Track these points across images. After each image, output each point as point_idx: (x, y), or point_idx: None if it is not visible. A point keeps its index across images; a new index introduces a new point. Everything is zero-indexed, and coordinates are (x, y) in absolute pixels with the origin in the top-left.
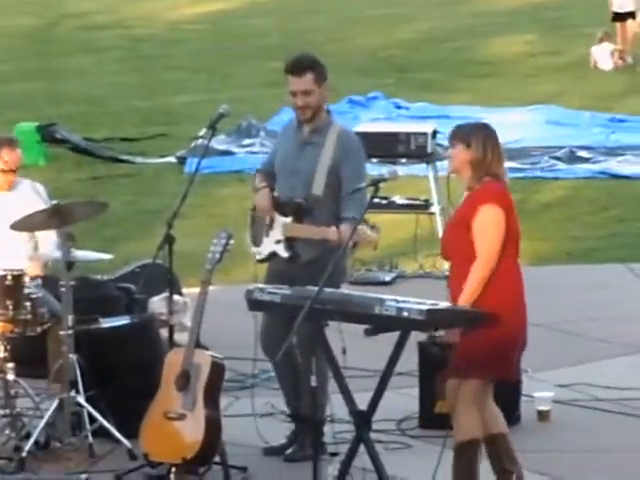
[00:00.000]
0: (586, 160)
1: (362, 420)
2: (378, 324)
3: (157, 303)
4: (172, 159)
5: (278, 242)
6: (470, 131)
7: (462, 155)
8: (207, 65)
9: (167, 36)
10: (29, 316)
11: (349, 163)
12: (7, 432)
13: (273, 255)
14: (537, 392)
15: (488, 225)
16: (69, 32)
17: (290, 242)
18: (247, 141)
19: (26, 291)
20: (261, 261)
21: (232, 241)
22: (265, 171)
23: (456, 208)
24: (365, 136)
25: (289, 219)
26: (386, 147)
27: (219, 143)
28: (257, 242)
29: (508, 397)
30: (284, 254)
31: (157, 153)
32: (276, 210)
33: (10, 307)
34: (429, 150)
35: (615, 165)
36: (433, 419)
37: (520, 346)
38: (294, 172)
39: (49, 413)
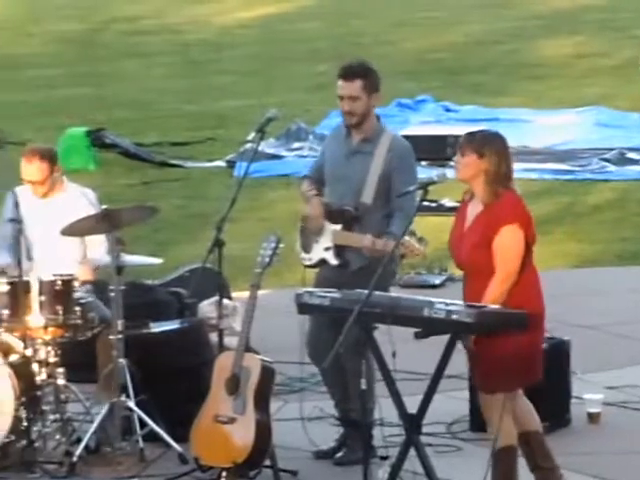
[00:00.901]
0: (636, 162)
1: (412, 423)
2: (428, 327)
3: (207, 307)
4: (221, 163)
5: (327, 249)
6: (484, 142)
7: (475, 165)
8: (256, 69)
9: (216, 40)
10: (79, 321)
11: (401, 171)
12: (58, 437)
13: (322, 262)
14: (587, 394)
15: (509, 246)
16: (117, 37)
17: (339, 250)
18: (296, 145)
19: (76, 296)
20: (310, 267)
21: (281, 245)
22: (312, 177)
23: (460, 210)
24: (414, 139)
25: (339, 227)
26: (435, 150)
27: (268, 147)
28: (307, 249)
29: (558, 399)
30: (333, 261)
31: (206, 157)
32: (326, 217)
33: (60, 312)
34: None
35: None
36: (483, 422)
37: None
38: (343, 180)
39: (99, 418)
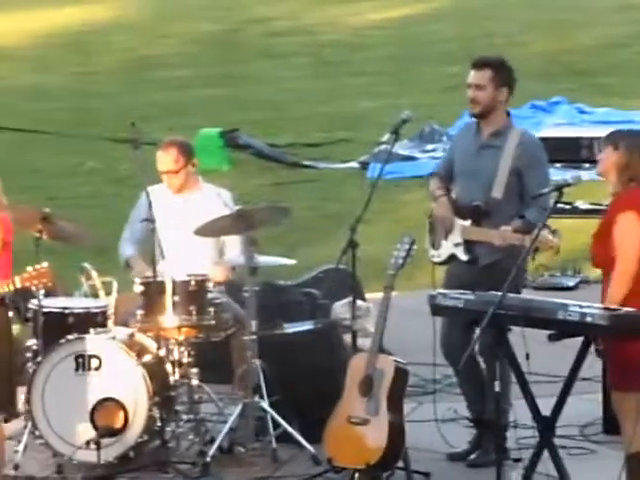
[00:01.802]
0: None
1: (546, 426)
2: (562, 329)
3: (340, 308)
4: (355, 164)
5: (457, 245)
6: (621, 135)
7: (610, 157)
8: (390, 70)
9: (350, 42)
10: (213, 321)
11: (533, 168)
12: (191, 437)
13: (452, 258)
14: None
15: (624, 235)
16: (252, 38)
17: (469, 245)
18: (430, 146)
19: (210, 296)
20: (440, 263)
21: (415, 246)
22: (441, 174)
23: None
24: (548, 141)
25: (468, 222)
26: (569, 152)
27: (402, 148)
28: (436, 245)
29: None
30: (463, 257)
31: (340, 158)
32: (455, 213)
33: (194, 312)
34: None
35: None
36: (617, 425)
37: None
38: (473, 175)
39: (233, 418)
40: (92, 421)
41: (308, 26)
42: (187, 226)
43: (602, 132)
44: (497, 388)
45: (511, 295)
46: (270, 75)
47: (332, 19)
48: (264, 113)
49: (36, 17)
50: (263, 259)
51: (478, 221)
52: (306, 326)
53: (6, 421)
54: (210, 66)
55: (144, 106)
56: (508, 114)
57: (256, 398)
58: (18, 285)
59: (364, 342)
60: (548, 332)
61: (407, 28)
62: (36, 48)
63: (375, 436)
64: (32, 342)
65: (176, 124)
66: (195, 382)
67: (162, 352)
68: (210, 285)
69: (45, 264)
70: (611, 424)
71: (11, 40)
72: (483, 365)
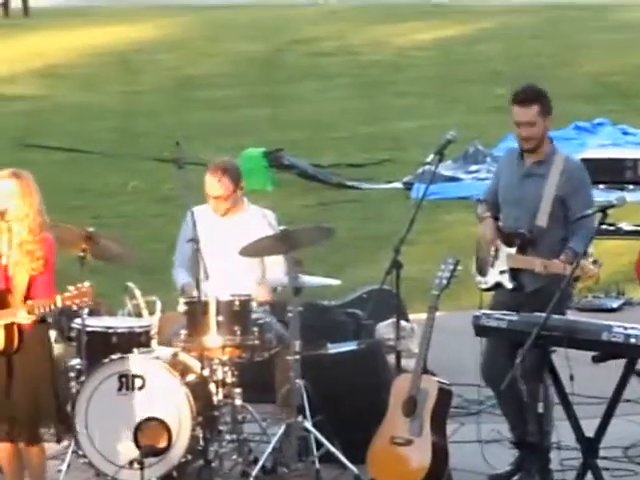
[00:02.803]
0: None
1: (589, 447)
2: (606, 351)
3: (384, 329)
4: (398, 185)
5: (503, 272)
6: None
7: None
8: (434, 91)
9: (394, 62)
10: (257, 341)
11: (577, 194)
12: (234, 457)
13: (498, 285)
14: None
15: None
16: (297, 58)
17: (515, 273)
18: (474, 167)
19: (254, 316)
20: (486, 290)
21: (459, 267)
22: (487, 200)
23: None
24: (592, 162)
25: (513, 250)
26: (613, 173)
27: (445, 169)
28: (483, 272)
29: None
30: (508, 285)
31: (383, 179)
32: (501, 240)
33: (238, 332)
34: None
35: None
36: None
37: None
38: (517, 203)
39: (276, 438)
40: (135, 441)
41: (353, 46)
42: (232, 246)
43: None
44: (540, 409)
45: (555, 316)
46: (314, 95)
47: (377, 39)
48: (308, 133)
49: (83, 36)
50: (307, 279)
51: (523, 249)
52: (350, 346)
53: (58, 441)
54: (255, 86)
55: (188, 125)
56: (551, 140)
57: (299, 418)
58: (59, 304)
59: (408, 363)
60: (592, 353)
61: (452, 48)
62: (82, 67)
63: (418, 457)
64: (76, 362)
65: (220, 144)
66: (238, 402)
67: (206, 372)
68: (254, 305)
69: (87, 283)
70: None
71: (58, 59)
72: (523, 387)
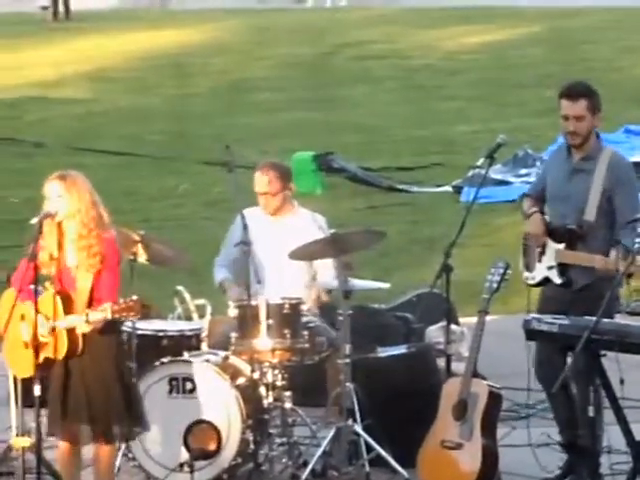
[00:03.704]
0: None
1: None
2: None
3: (434, 332)
4: (448, 188)
5: (551, 268)
6: None
7: None
8: (483, 95)
9: (443, 66)
10: (307, 345)
11: (623, 188)
12: (284, 460)
13: (546, 280)
14: None
15: None
16: (345, 62)
17: (563, 268)
18: (523, 171)
19: (304, 320)
20: (534, 285)
21: (509, 271)
22: (533, 196)
23: None
24: None
25: (561, 245)
26: None
27: (495, 172)
28: (530, 267)
29: None
30: (557, 280)
31: (433, 182)
32: (548, 236)
33: (288, 336)
34: None
35: None
36: None
37: None
38: (565, 198)
39: (326, 442)
40: (186, 444)
41: (402, 50)
42: (282, 249)
43: None
44: (591, 413)
45: (606, 320)
46: (364, 99)
47: (426, 43)
48: (358, 137)
49: (134, 39)
50: (357, 283)
51: (572, 244)
52: (400, 350)
53: (127, 440)
54: (304, 89)
55: (239, 129)
56: (598, 136)
57: (349, 422)
58: (109, 316)
59: (458, 366)
60: None
61: (502, 52)
62: (134, 70)
63: (468, 460)
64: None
65: (270, 147)
66: (288, 405)
67: (256, 375)
68: (304, 308)
69: (135, 297)
70: None
71: (109, 62)
72: (575, 390)
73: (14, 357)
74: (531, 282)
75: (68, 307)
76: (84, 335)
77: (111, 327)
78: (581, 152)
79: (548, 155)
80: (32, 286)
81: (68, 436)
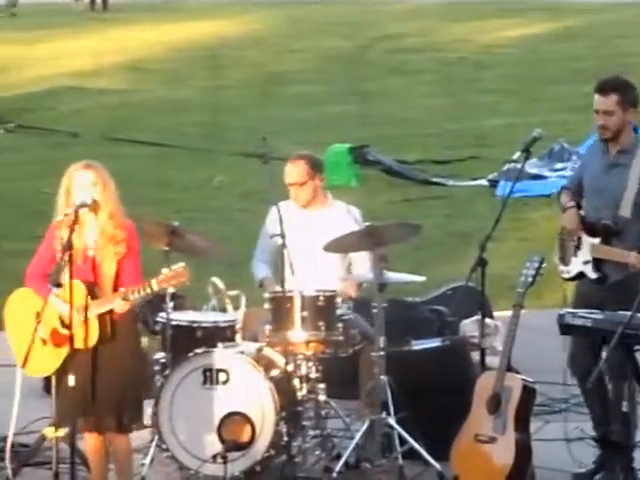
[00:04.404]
0: None
1: None
2: None
3: (469, 326)
4: (484, 182)
5: (586, 263)
6: None
7: None
8: (519, 88)
9: (478, 59)
10: (341, 337)
11: None
12: (317, 452)
13: (581, 275)
14: None
15: None
16: (381, 55)
17: (598, 263)
18: (559, 165)
19: (338, 312)
20: (569, 279)
21: (544, 265)
22: (571, 189)
23: None
24: None
25: (597, 240)
26: None
27: (530, 167)
28: (566, 261)
29: None
30: (592, 275)
31: (469, 176)
32: (584, 230)
33: (322, 328)
34: None
35: None
36: None
37: None
38: (601, 193)
39: (360, 434)
40: (219, 435)
41: (437, 43)
42: (316, 242)
43: None
44: (624, 408)
45: None
46: (399, 92)
47: (461, 36)
48: (393, 130)
49: (169, 31)
50: (392, 276)
51: (608, 240)
52: (434, 343)
53: (126, 431)
54: (339, 82)
55: (273, 121)
56: (636, 130)
57: (383, 414)
58: (155, 287)
59: (492, 360)
60: None
61: (538, 46)
62: (168, 62)
63: (502, 454)
64: (160, 355)
65: (305, 140)
66: (322, 397)
67: (290, 367)
68: (339, 301)
69: (182, 264)
70: None
71: (144, 53)
72: (609, 385)
73: (28, 356)
74: (566, 276)
75: (93, 296)
76: (112, 322)
77: (133, 315)
78: (617, 146)
79: (585, 149)
80: (67, 277)
81: (96, 426)
